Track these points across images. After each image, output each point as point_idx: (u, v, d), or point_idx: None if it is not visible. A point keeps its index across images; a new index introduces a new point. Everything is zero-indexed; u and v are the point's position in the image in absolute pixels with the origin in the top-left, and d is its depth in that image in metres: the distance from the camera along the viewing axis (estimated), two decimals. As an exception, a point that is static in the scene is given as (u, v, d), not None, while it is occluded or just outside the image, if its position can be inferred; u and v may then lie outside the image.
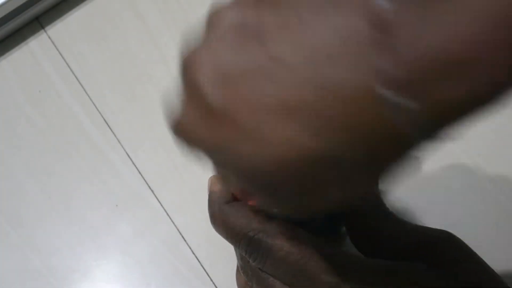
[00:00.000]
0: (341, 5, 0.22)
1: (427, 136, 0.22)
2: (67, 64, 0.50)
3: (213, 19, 0.25)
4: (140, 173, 0.47)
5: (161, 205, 0.46)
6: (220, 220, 0.34)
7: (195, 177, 0.46)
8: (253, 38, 0.23)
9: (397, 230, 0.34)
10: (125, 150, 0.47)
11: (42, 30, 0.51)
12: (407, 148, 0.22)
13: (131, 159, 0.47)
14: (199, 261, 0.44)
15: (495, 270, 0.43)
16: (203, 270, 0.44)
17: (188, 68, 0.25)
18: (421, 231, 0.34)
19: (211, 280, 0.44)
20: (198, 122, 0.25)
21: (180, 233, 0.45)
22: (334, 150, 0.22)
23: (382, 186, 0.36)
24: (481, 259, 0.35)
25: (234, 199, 0.35)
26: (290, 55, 0.22)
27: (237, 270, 0.38)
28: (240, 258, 0.36)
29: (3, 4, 0.48)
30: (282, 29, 0.23)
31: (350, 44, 0.21)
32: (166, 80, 0.49)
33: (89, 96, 0.49)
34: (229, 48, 0.24)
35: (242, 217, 0.34)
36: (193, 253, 0.45)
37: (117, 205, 0.46)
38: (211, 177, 0.36)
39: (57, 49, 0.50)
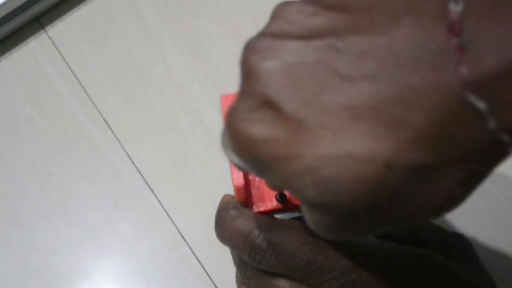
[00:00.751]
0: (416, 11, 0.21)
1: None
2: (67, 64, 0.50)
3: (277, 13, 0.24)
4: (140, 173, 0.47)
5: (161, 205, 0.46)
6: (225, 223, 0.34)
7: (195, 177, 0.46)
8: (323, 40, 0.22)
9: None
10: (125, 150, 0.47)
11: (42, 30, 0.51)
12: (497, 156, 0.22)
13: (131, 159, 0.47)
14: (199, 261, 0.44)
15: (495, 270, 0.44)
16: (203, 270, 0.44)
17: (252, 63, 0.23)
18: (436, 229, 0.35)
19: (211, 280, 0.44)
20: (264, 125, 0.23)
21: (180, 233, 0.45)
22: (425, 160, 0.21)
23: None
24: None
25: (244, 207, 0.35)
26: (366, 61, 0.21)
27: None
28: (239, 259, 0.35)
29: (3, 4, 0.48)
30: (354, 33, 0.22)
31: (429, 50, 0.21)
32: (166, 80, 0.49)
33: (89, 96, 0.49)
34: (296, 44, 0.23)
35: (248, 218, 0.34)
36: (193, 253, 0.45)
37: (117, 205, 0.46)
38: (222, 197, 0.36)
39: (57, 49, 0.50)
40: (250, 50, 0.24)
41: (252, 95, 0.23)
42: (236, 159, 0.25)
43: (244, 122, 0.23)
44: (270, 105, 0.23)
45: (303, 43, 0.23)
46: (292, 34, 0.23)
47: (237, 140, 0.24)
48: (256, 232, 0.33)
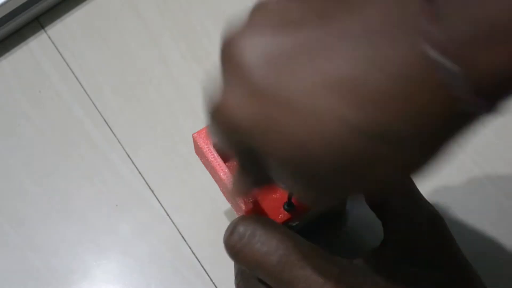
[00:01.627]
0: None
1: (482, 107, 0.22)
2: (67, 64, 0.50)
3: (256, 7, 0.25)
4: (140, 173, 0.47)
5: (161, 205, 0.46)
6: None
7: (195, 177, 0.46)
8: (295, 21, 0.23)
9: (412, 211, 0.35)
10: (125, 150, 0.47)
11: (42, 30, 0.51)
12: (462, 121, 0.23)
13: (131, 159, 0.47)
14: (199, 261, 0.44)
15: (495, 270, 0.44)
16: (203, 270, 0.44)
17: (231, 49, 0.25)
18: (409, 205, 0.35)
19: (211, 280, 0.44)
20: (242, 103, 0.24)
21: (180, 233, 0.45)
22: (389, 125, 0.22)
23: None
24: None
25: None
26: (337, 33, 0.22)
27: None
28: (236, 270, 0.36)
29: (3, 4, 0.48)
30: (326, 12, 0.23)
31: (402, 19, 0.22)
32: (166, 80, 0.49)
33: (89, 96, 0.49)
34: (273, 30, 0.24)
35: (247, 216, 0.34)
36: (193, 253, 0.45)
37: (117, 205, 0.46)
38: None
39: (57, 49, 0.50)
40: (230, 44, 0.25)
41: (237, 85, 0.24)
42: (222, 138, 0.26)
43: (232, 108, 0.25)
44: (255, 93, 0.24)
45: (281, 32, 0.24)
46: (271, 24, 0.24)
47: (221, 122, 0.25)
48: (241, 221, 0.32)
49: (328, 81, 0.22)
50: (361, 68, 0.22)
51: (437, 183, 0.45)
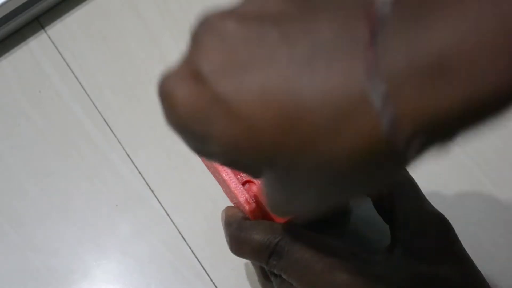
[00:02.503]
0: (344, 3, 0.21)
1: (419, 149, 0.21)
2: (67, 64, 0.50)
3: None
4: (140, 173, 0.47)
5: (161, 205, 0.46)
6: (240, 238, 0.35)
7: (195, 177, 0.46)
8: (263, 24, 0.23)
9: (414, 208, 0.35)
10: (125, 150, 0.47)
11: (42, 30, 0.51)
12: (398, 162, 0.21)
13: (131, 159, 0.47)
14: (199, 261, 0.44)
15: (495, 270, 0.44)
16: (203, 270, 0.44)
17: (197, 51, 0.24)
18: (416, 212, 0.36)
19: (211, 280, 0.44)
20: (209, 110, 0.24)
21: (180, 233, 0.45)
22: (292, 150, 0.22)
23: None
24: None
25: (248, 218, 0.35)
26: (291, 46, 0.22)
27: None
28: (261, 273, 0.36)
29: (3, 4, 0.48)
30: (291, 20, 0.22)
31: (345, 45, 0.21)
32: (166, 80, 0.49)
33: (89, 96, 0.49)
34: (243, 29, 0.23)
35: (263, 227, 0.34)
36: (193, 253, 0.45)
37: (117, 205, 0.46)
38: (224, 209, 0.37)
39: (57, 49, 0.50)
40: (203, 23, 0.24)
41: (189, 63, 0.25)
42: (171, 125, 0.27)
43: (172, 83, 0.26)
44: (198, 77, 0.24)
45: (247, 25, 0.23)
46: (247, 16, 0.23)
47: (165, 99, 0.26)
48: (274, 241, 0.33)
49: (257, 91, 0.22)
50: (289, 86, 0.21)
51: (437, 183, 0.45)
